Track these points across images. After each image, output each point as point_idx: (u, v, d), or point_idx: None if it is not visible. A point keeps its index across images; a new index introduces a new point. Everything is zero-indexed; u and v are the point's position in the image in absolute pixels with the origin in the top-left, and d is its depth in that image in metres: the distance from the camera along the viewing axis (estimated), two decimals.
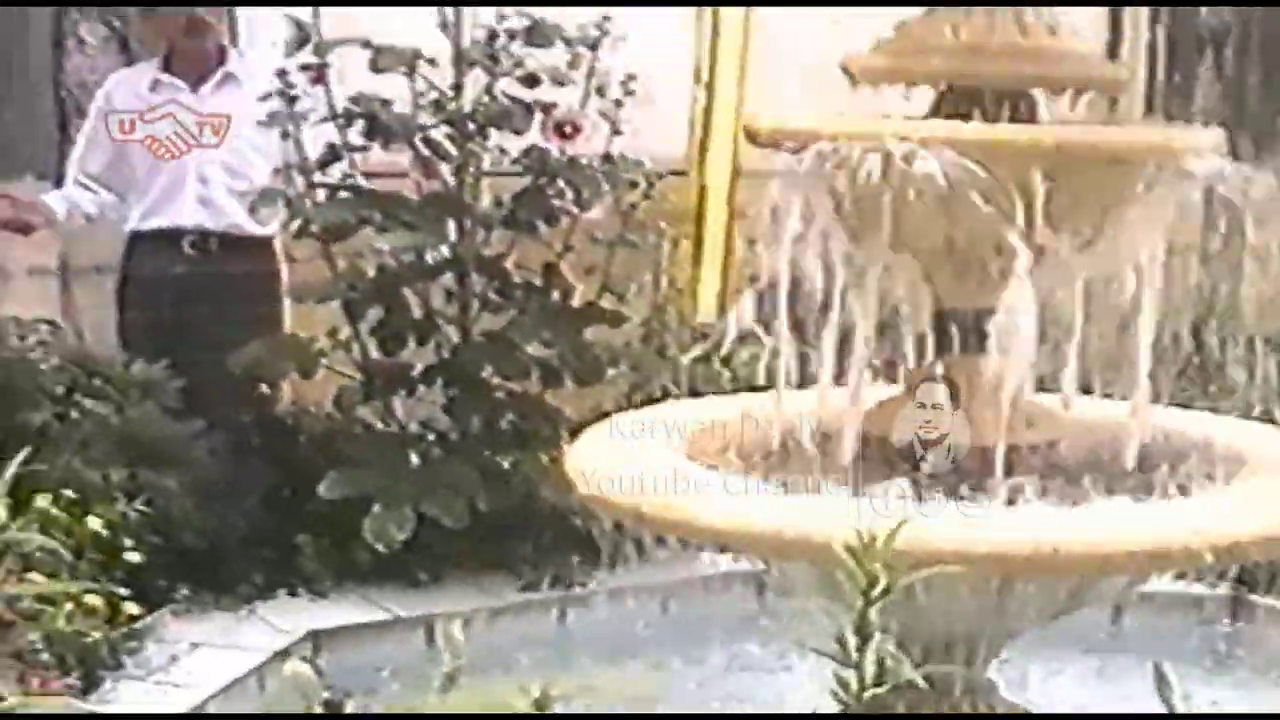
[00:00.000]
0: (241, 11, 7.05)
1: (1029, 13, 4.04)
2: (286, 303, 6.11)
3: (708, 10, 8.00)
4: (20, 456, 4.18)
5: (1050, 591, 3.88)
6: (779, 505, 3.70)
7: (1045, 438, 4.16)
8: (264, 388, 5.82)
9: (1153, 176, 3.95)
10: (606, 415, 5.41)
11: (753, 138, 4.08)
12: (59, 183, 6.81)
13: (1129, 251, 4.08)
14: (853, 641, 2.43)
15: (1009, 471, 3.98)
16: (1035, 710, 4.31)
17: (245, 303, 5.94)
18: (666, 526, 3.84)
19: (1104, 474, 4.14)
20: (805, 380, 4.15)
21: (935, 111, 4.09)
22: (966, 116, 4.00)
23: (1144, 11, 10.91)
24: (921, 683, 2.58)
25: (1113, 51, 9.92)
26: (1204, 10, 11.18)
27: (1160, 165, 3.93)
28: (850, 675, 2.43)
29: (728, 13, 7.68)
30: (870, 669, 2.41)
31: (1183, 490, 4.09)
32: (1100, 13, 10.46)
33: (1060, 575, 3.65)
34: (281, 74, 5.42)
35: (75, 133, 7.04)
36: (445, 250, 5.51)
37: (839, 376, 4.07)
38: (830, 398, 4.13)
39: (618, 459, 4.06)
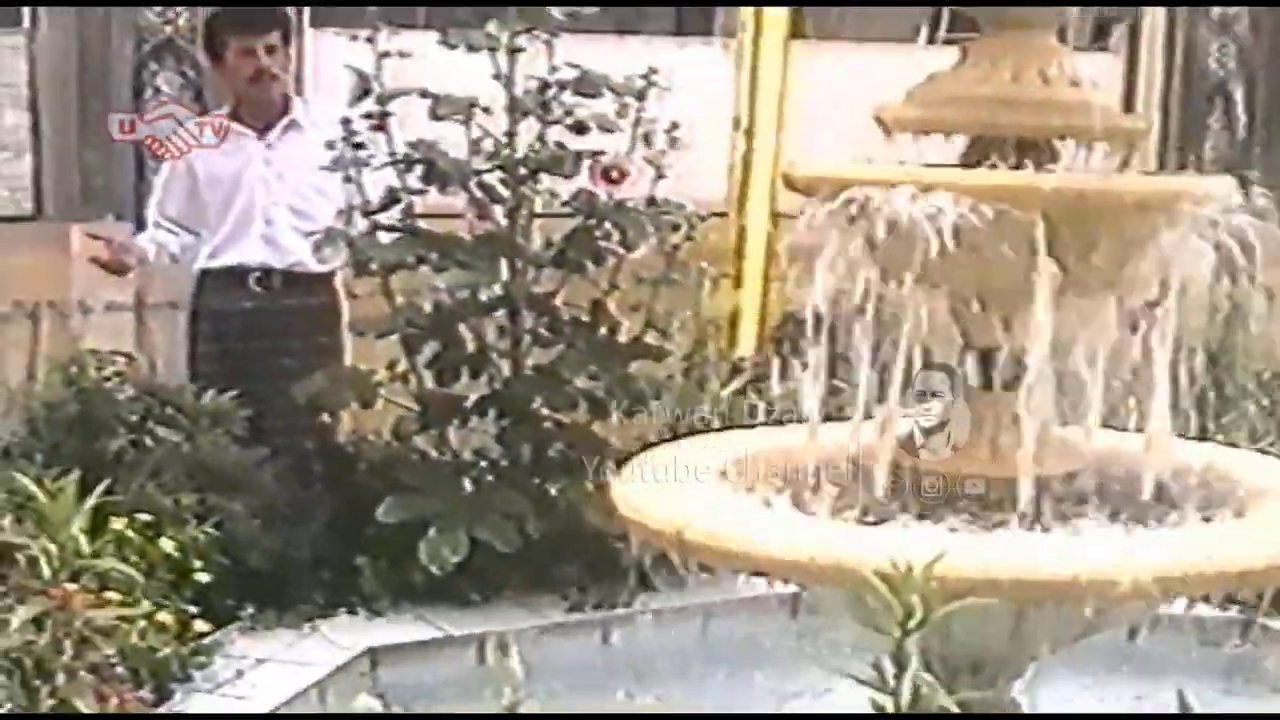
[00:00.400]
0: (307, 61, 7.09)
1: (1053, 65, 4.01)
2: (347, 336, 6.12)
3: (747, 58, 8.00)
4: (101, 487, 4.18)
5: (1072, 615, 3.83)
6: (818, 533, 3.68)
7: (1067, 469, 4.12)
8: (325, 417, 5.81)
9: (1171, 221, 3.91)
10: (650, 445, 5.39)
11: (791, 184, 4.06)
12: (138, 223, 6.85)
13: (1147, 292, 4.04)
14: (890, 669, 2.39)
15: (1033, 501, 3.94)
16: None
17: (308, 335, 5.95)
18: (709, 554, 3.80)
19: (1123, 503, 4.10)
20: (838, 413, 4.13)
21: (965, 158, 4.06)
22: (994, 164, 3.97)
23: (1159, 63, 10.87)
24: (954, 708, 2.54)
25: (1128, 101, 9.89)
26: (1214, 62, 11.13)
27: (1178, 211, 3.89)
28: (887, 701, 2.39)
29: (767, 60, 7.67)
30: (906, 696, 2.37)
31: (1199, 519, 4.04)
32: (1117, 63, 10.44)
33: (1084, 601, 3.59)
34: (346, 122, 5.43)
35: (152, 176, 7.07)
36: (498, 288, 5.49)
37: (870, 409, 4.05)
38: (863, 430, 4.09)
39: (661, 488, 4.03)
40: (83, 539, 3.96)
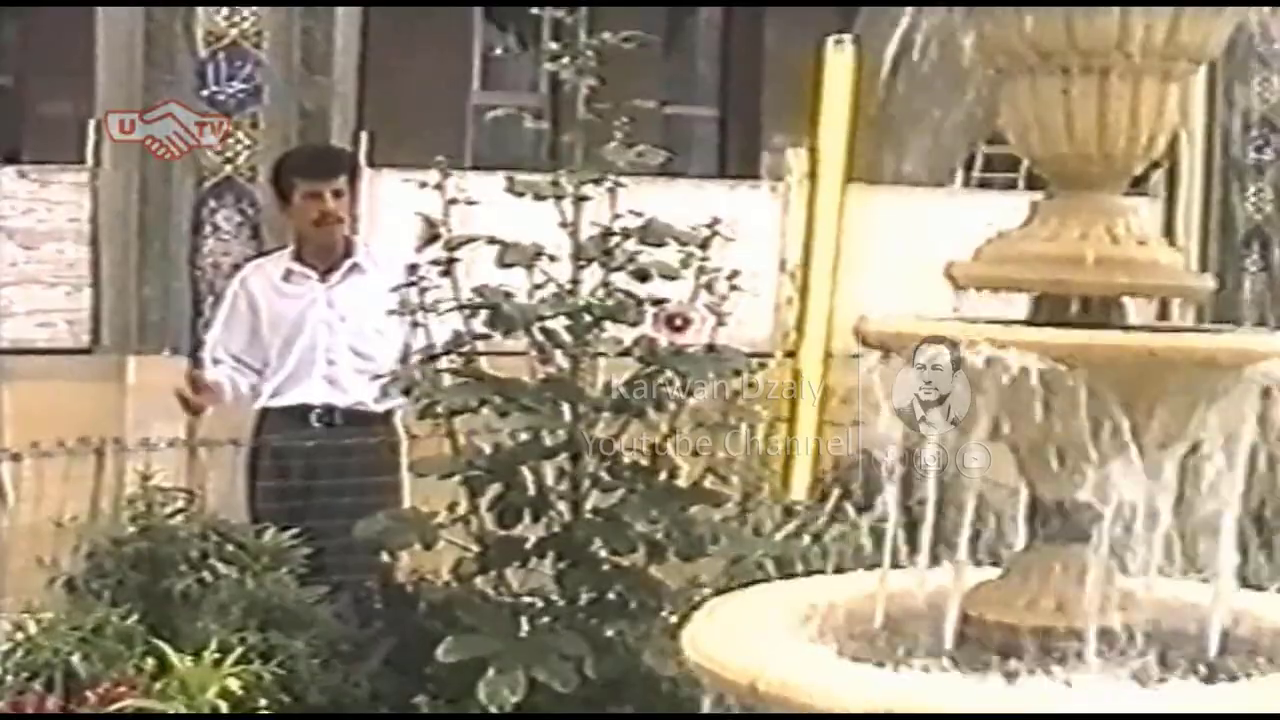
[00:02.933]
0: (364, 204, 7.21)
1: (1120, 224, 4.09)
2: (405, 474, 6.18)
3: (795, 201, 8.13)
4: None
5: None
6: (892, 683, 3.71)
7: (1133, 620, 4.14)
8: (385, 556, 5.86)
9: (1235, 377, 3.96)
10: (702, 586, 5.43)
11: (862, 338, 4.11)
12: (194, 358, 6.94)
13: (1211, 445, 4.08)
14: None
15: (1101, 654, 3.97)
16: None
17: (368, 474, 6.02)
18: (783, 703, 3.82)
19: (1192, 656, 4.11)
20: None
21: (1032, 314, 4.13)
22: (1061, 321, 4.03)
23: (1196, 207, 11.00)
24: None
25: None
26: (1250, 207, 11.26)
27: (1242, 367, 3.94)
28: None
29: (822, 203, 7.79)
30: None
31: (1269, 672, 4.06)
32: (1155, 207, 10.56)
33: None
34: (413, 268, 5.53)
35: (207, 310, 7.20)
36: (561, 432, 5.55)
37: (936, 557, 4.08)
38: (930, 578, 4.13)
39: (732, 635, 4.06)
40: (223, 705, 4.02)
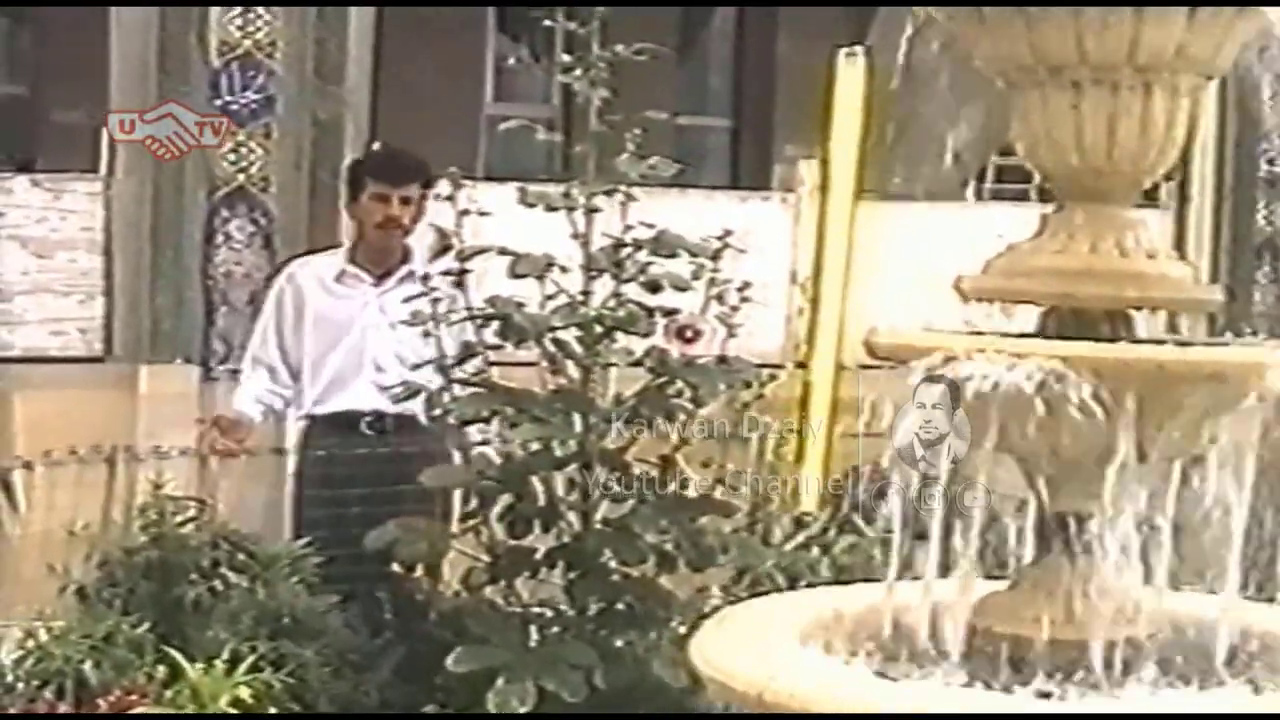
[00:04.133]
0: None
1: (1130, 237, 4.10)
2: None
3: (807, 214, 8.13)
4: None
5: None
6: (900, 694, 3.73)
7: (1141, 632, 4.15)
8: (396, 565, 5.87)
9: (1246, 390, 3.97)
10: (711, 597, 5.43)
11: (872, 350, 4.12)
12: (205, 365, 6.96)
13: (1221, 458, 4.09)
14: None
15: (1109, 665, 3.98)
16: None
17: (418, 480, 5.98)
18: (789, 713, 3.84)
19: (1199, 668, 4.12)
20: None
21: (1042, 327, 4.14)
22: (1070, 334, 4.04)
23: (1207, 219, 11.01)
24: None
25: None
26: (1261, 219, 11.27)
27: (1253, 380, 3.95)
28: None
29: (833, 216, 7.79)
30: None
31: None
32: (1166, 219, 10.57)
33: None
34: (425, 278, 5.54)
35: (219, 319, 7.21)
36: (572, 443, 5.56)
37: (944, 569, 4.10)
38: (936, 589, 4.14)
39: (740, 645, 4.08)
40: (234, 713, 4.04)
